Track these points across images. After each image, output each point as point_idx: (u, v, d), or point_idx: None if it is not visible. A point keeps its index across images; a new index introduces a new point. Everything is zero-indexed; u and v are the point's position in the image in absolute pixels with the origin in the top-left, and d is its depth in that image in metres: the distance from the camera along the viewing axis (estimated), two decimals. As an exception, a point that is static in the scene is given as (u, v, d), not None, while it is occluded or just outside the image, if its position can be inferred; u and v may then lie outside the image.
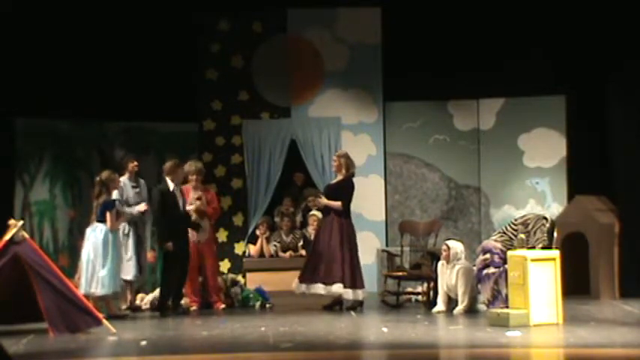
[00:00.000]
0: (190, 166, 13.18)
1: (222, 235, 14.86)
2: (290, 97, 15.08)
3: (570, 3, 14.07)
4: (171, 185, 12.69)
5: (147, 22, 14.38)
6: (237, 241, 14.91)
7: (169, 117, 14.63)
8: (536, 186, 14.62)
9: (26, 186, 13.98)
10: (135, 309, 12.97)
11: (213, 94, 15.02)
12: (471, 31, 14.53)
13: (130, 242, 12.98)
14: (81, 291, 11.89)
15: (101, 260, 12.06)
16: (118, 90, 14.24)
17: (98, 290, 12.04)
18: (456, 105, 15.01)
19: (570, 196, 14.19)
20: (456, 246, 12.39)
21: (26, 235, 10.95)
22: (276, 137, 14.93)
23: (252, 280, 14.18)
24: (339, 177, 12.89)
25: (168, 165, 12.79)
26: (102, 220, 12.16)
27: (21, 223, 11.01)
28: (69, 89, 13.98)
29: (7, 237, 10.74)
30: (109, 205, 12.18)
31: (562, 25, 14.24)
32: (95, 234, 12.15)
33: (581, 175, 14.19)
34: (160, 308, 12.62)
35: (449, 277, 12.26)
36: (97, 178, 12.34)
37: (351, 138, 14.98)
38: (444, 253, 12.35)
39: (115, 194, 12.71)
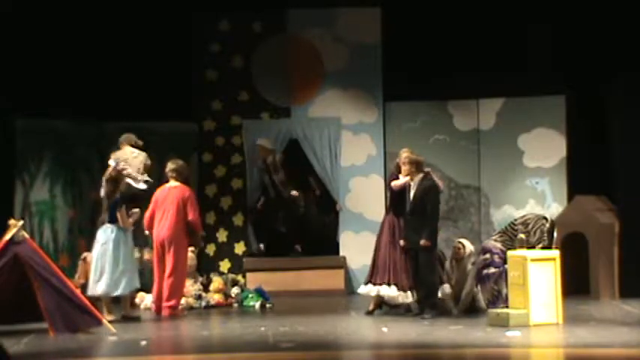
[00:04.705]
0: (172, 164, 12.93)
1: (222, 235, 14.87)
2: (290, 97, 15.08)
3: (570, 3, 14.08)
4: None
5: (147, 22, 14.37)
6: (237, 241, 14.91)
7: (169, 117, 14.62)
8: (536, 186, 14.61)
9: (26, 186, 13.97)
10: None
11: (213, 94, 15.01)
12: (470, 31, 14.52)
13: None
14: (88, 292, 11.86)
15: (111, 261, 11.96)
16: (118, 90, 14.24)
17: (113, 291, 11.94)
18: (456, 105, 15.00)
19: (570, 196, 14.18)
20: (470, 245, 12.34)
21: (26, 235, 10.96)
22: (276, 137, 14.93)
23: (252, 280, 14.20)
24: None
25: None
26: (113, 220, 12.08)
27: (21, 223, 11.02)
28: (69, 89, 13.97)
29: (7, 237, 10.76)
30: (117, 203, 12.11)
31: (562, 25, 14.24)
32: (106, 235, 12.06)
33: (581, 175, 14.19)
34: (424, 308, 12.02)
35: (459, 276, 12.16)
36: (107, 176, 12.29)
37: (351, 138, 14.98)
38: (458, 252, 12.25)
39: None
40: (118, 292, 12.02)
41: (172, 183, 12.69)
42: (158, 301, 12.51)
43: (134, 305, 12.54)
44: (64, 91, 13.94)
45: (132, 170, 12.94)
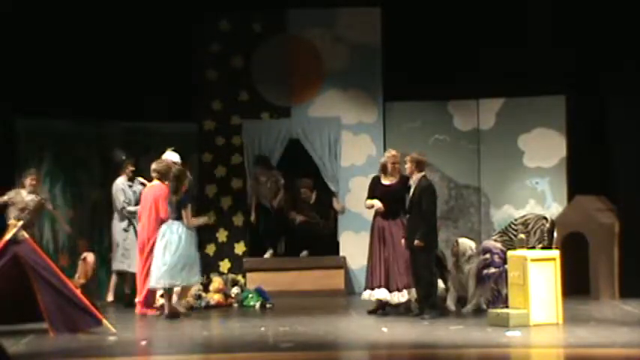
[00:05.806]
0: (155, 164, 12.95)
1: (221, 235, 14.87)
2: (290, 97, 15.08)
3: (570, 3, 14.08)
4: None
5: (147, 23, 14.37)
6: (237, 241, 14.91)
7: (169, 117, 14.63)
8: (536, 186, 14.61)
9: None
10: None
11: (213, 94, 15.02)
12: (470, 31, 14.52)
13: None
14: (152, 285, 12.12)
15: (170, 253, 12.06)
16: (118, 90, 14.24)
17: (163, 282, 12.09)
18: (456, 105, 15.00)
19: (570, 196, 14.18)
20: (466, 243, 12.35)
21: (26, 235, 10.96)
22: (276, 137, 14.94)
23: (252, 280, 14.20)
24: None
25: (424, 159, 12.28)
26: (178, 217, 12.17)
27: (21, 223, 11.02)
28: (69, 89, 13.96)
29: (7, 237, 10.76)
30: (184, 201, 12.20)
31: (562, 25, 14.24)
32: (170, 229, 12.18)
33: (581, 175, 14.19)
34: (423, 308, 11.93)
35: (460, 276, 12.20)
36: (171, 175, 12.35)
37: (351, 138, 14.99)
38: (453, 249, 12.32)
39: (120, 196, 13.21)
40: (161, 285, 12.15)
41: (154, 182, 12.81)
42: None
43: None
44: (64, 91, 13.93)
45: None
